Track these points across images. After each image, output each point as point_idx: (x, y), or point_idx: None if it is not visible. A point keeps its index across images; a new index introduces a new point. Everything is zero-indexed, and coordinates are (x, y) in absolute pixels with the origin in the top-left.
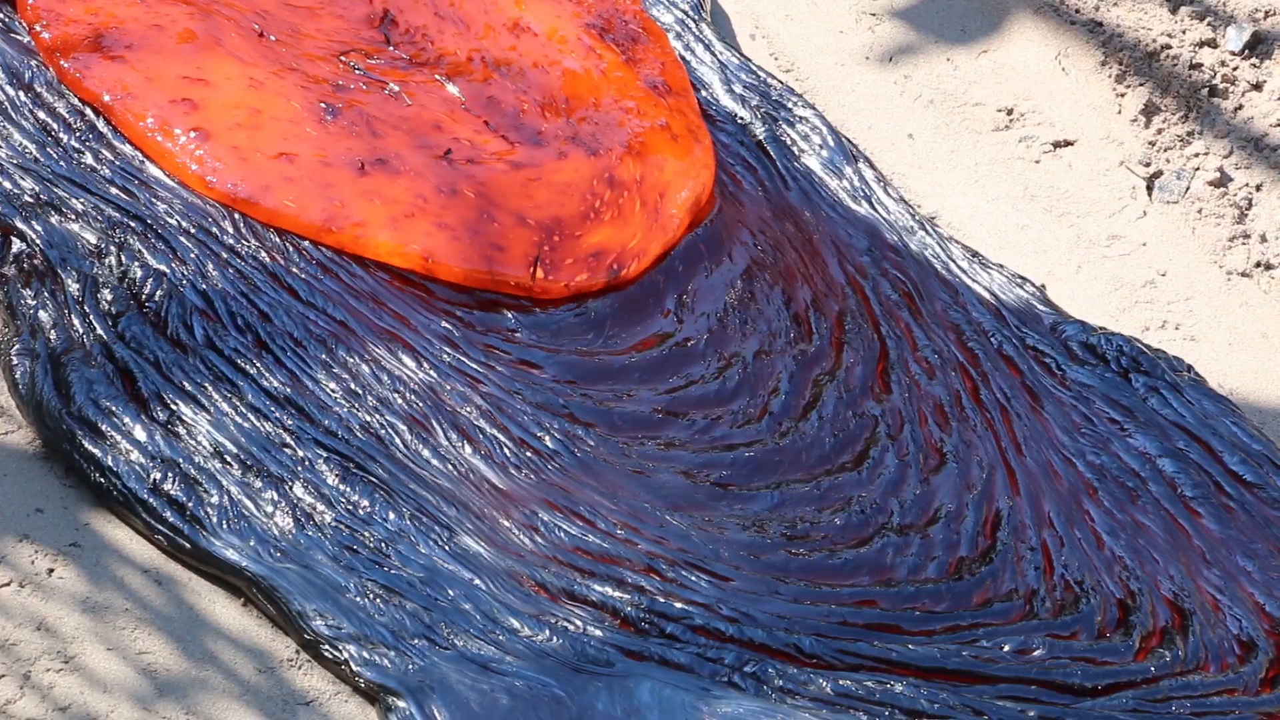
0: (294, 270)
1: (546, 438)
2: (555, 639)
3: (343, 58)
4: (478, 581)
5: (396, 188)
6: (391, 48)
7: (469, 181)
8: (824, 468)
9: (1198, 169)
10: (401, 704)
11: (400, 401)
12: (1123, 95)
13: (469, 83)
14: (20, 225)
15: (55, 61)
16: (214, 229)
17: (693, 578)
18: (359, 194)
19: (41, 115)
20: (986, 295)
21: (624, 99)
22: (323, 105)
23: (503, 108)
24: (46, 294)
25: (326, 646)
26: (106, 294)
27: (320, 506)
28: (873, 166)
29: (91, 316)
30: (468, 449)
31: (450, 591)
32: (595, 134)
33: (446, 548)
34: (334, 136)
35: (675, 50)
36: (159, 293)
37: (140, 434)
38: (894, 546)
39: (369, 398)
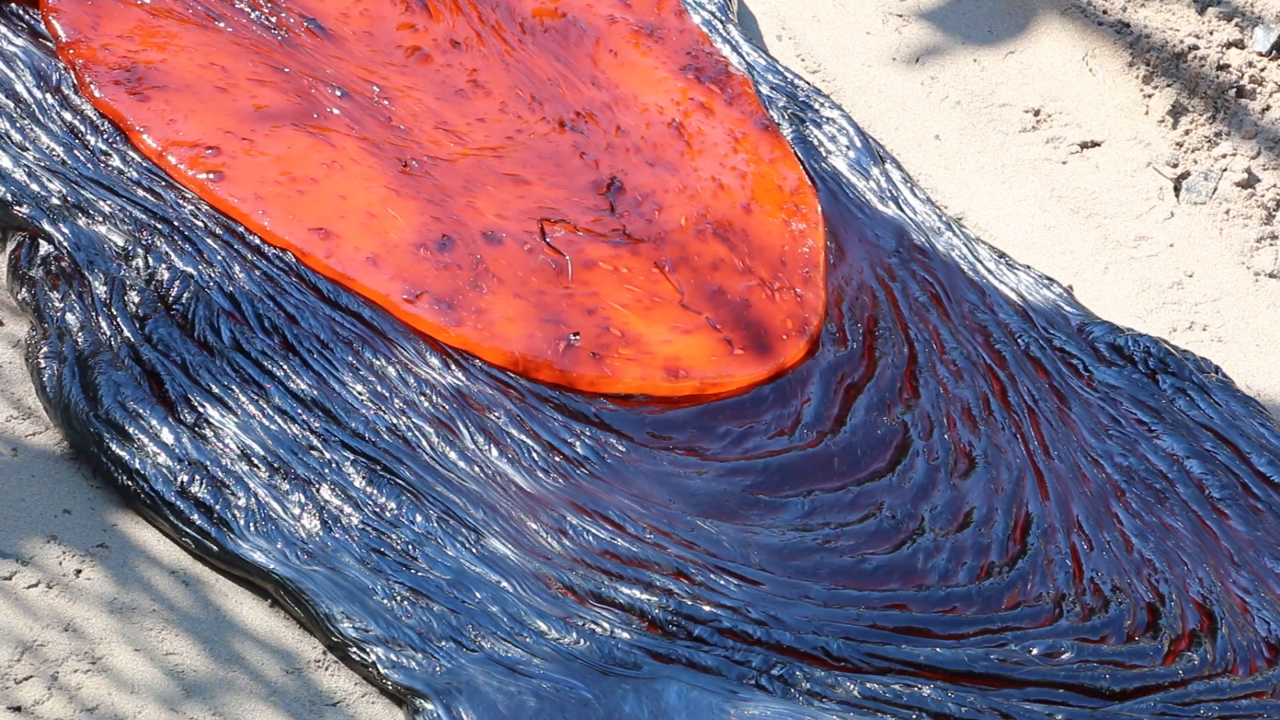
0: (320, 271)
1: (577, 444)
2: (582, 641)
3: (542, 220)
4: (505, 584)
5: (443, 335)
6: (615, 216)
7: (568, 359)
8: (854, 475)
9: (1225, 170)
10: (429, 706)
11: (427, 404)
12: (1150, 96)
13: (693, 270)
14: (48, 228)
15: (79, 72)
16: (240, 229)
17: (721, 581)
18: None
19: (68, 117)
20: (1014, 296)
21: (775, 187)
22: (443, 236)
23: (730, 299)
24: (74, 296)
25: (354, 648)
26: (134, 296)
27: (347, 509)
28: (900, 167)
29: (119, 319)
30: (495, 452)
31: (477, 594)
32: (802, 308)
33: (474, 550)
34: (417, 260)
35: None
36: (186, 295)
37: (167, 436)
38: (924, 551)
39: (396, 400)
